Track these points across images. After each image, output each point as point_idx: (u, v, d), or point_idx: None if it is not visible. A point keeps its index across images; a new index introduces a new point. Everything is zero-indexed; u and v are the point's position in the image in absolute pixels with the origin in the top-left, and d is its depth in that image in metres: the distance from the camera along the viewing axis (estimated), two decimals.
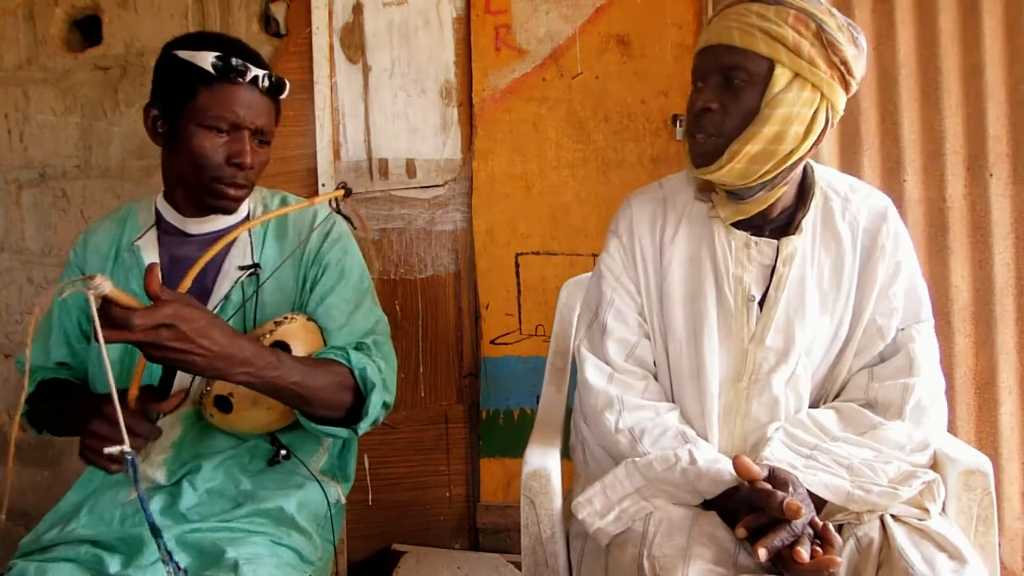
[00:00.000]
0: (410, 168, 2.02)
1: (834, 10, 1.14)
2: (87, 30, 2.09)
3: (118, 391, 1.01)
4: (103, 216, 1.42)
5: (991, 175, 1.78)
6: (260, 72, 1.23)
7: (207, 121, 1.21)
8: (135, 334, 0.93)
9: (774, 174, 1.16)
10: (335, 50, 2.00)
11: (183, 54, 1.22)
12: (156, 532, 0.93)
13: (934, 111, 1.79)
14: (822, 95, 1.12)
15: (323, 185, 1.99)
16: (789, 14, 1.11)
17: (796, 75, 1.11)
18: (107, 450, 0.94)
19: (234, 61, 1.20)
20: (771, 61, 1.11)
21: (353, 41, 2.01)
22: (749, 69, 1.11)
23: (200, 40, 1.25)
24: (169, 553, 0.95)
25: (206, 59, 1.20)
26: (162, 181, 1.33)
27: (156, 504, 1.17)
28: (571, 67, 1.99)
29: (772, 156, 1.13)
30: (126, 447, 0.92)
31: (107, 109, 2.04)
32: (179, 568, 0.96)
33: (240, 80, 1.21)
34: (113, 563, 1.09)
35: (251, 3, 2.00)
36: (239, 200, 1.28)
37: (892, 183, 1.81)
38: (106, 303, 0.92)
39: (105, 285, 0.89)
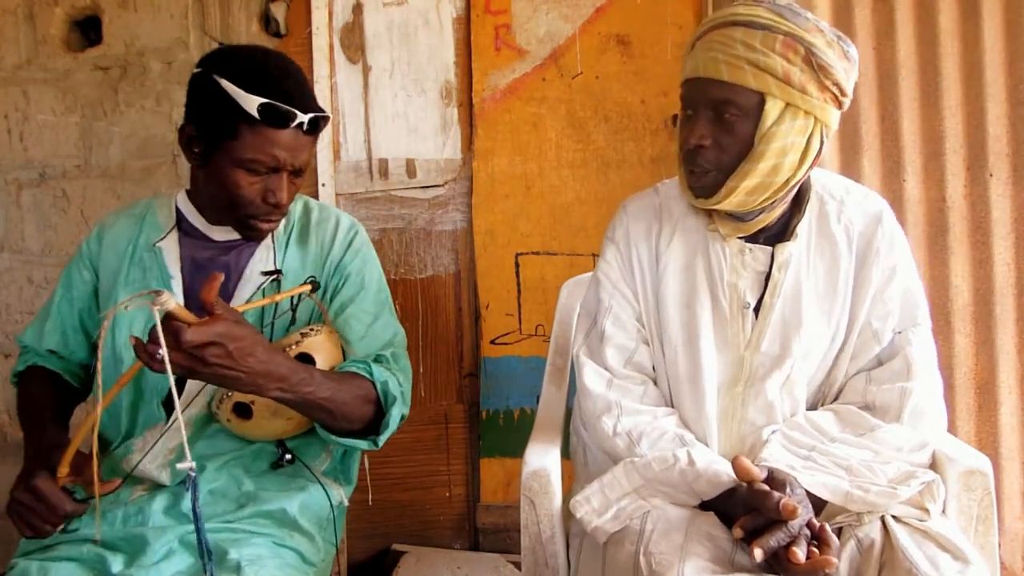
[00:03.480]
0: (410, 168, 2.02)
1: (822, 24, 1.11)
2: (87, 30, 2.09)
3: (47, 467, 1.07)
4: (118, 211, 1.40)
5: (991, 175, 1.78)
6: (306, 118, 1.18)
7: (246, 164, 1.18)
8: (182, 350, 0.93)
9: (773, 200, 1.16)
10: (335, 50, 2.00)
11: (228, 87, 1.16)
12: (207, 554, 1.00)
13: (934, 111, 1.79)
14: (816, 119, 1.11)
15: (323, 185, 1.99)
16: (776, 40, 1.08)
17: (788, 104, 1.09)
18: (180, 466, 0.98)
19: (281, 108, 1.15)
20: (761, 94, 1.09)
21: (353, 41, 2.01)
22: (739, 103, 1.10)
23: (248, 76, 1.17)
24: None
25: (252, 104, 1.14)
26: (189, 182, 1.33)
27: (159, 504, 1.17)
28: (571, 67, 1.99)
29: (770, 187, 1.13)
30: (189, 464, 0.96)
31: (107, 109, 2.04)
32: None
33: (285, 126, 1.17)
34: (116, 562, 1.09)
35: (251, 3, 2.00)
36: (270, 231, 1.29)
37: (892, 183, 1.81)
38: (166, 318, 0.92)
39: (171, 302, 0.89)
